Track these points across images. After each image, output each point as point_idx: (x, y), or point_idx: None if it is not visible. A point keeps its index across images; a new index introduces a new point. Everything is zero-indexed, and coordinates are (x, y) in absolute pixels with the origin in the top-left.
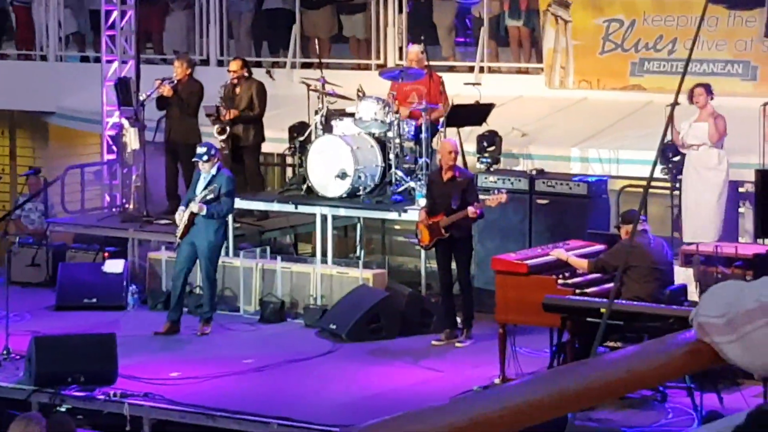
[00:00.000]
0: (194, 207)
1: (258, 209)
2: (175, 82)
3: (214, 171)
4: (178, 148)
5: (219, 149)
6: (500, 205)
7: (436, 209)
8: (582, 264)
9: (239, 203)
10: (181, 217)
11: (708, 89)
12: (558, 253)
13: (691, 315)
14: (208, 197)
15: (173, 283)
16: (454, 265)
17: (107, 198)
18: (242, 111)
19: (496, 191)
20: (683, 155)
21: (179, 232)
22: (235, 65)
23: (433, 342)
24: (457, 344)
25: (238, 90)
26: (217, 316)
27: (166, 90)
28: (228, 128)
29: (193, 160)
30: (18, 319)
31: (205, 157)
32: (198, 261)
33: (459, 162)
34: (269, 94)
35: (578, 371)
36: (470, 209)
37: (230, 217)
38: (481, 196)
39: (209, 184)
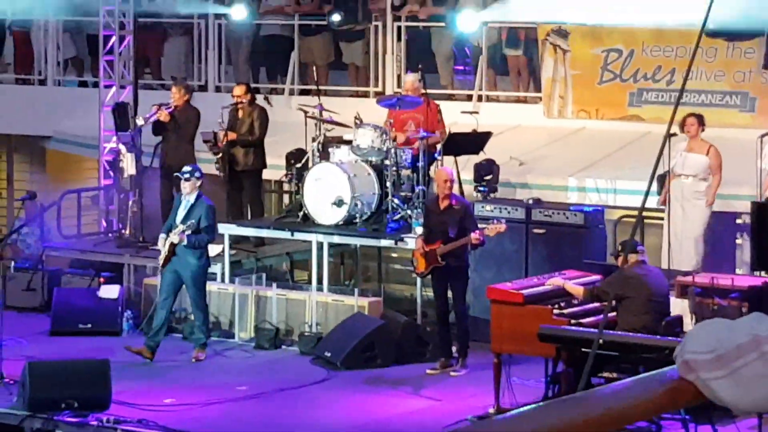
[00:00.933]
0: (174, 238)
1: (254, 236)
2: (173, 107)
3: (193, 198)
4: (173, 173)
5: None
6: (498, 234)
7: (432, 237)
8: (578, 291)
9: (236, 230)
10: (163, 245)
11: (701, 119)
12: (555, 280)
13: (675, 352)
14: (187, 232)
15: (157, 311)
16: (450, 294)
17: (104, 223)
18: (241, 135)
19: (495, 221)
20: None
21: (161, 260)
22: (239, 90)
23: (428, 371)
24: (452, 373)
25: (240, 114)
26: (211, 343)
27: (164, 115)
28: (222, 151)
29: (175, 175)
30: (12, 343)
31: (187, 175)
32: (185, 289)
33: (456, 190)
34: None
35: (568, 406)
36: (473, 235)
37: (227, 244)
38: (479, 225)
39: (189, 212)
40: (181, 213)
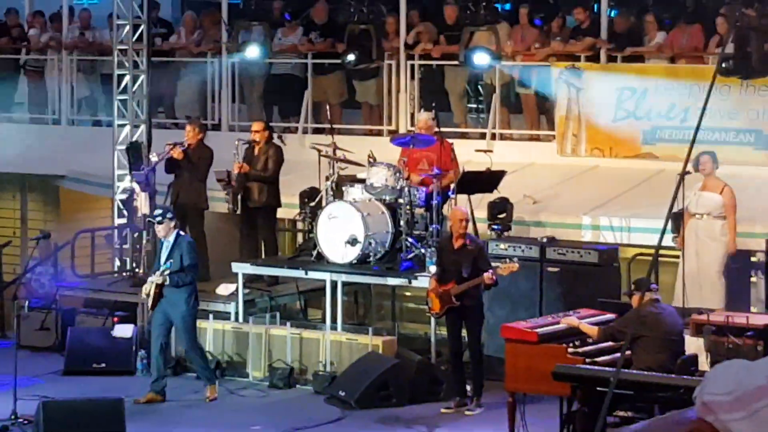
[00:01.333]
0: (158, 279)
1: (268, 274)
2: (187, 146)
3: (172, 238)
4: (185, 212)
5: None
6: (511, 273)
7: (446, 277)
8: (593, 331)
9: (249, 269)
10: (149, 289)
11: (714, 157)
12: (569, 320)
13: (694, 393)
14: (166, 272)
15: (153, 355)
16: (464, 333)
17: (117, 262)
18: (254, 169)
19: (507, 260)
20: None
21: (149, 303)
22: (257, 126)
23: (443, 410)
24: (467, 412)
25: (256, 152)
26: (225, 382)
27: (177, 152)
28: (234, 185)
29: (148, 220)
30: (26, 383)
31: (159, 218)
32: (175, 333)
33: (470, 229)
34: None
35: None
36: (486, 275)
37: (240, 283)
38: (493, 264)
39: (171, 252)
40: (164, 254)
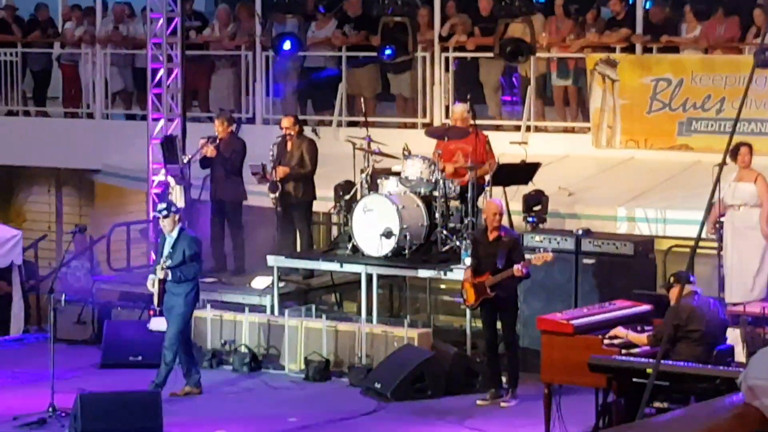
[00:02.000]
0: (160, 274)
1: (303, 268)
2: (218, 141)
3: (175, 233)
4: (224, 206)
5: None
6: (545, 263)
7: (481, 269)
8: (642, 340)
9: (285, 262)
10: (152, 284)
11: (751, 149)
12: (617, 332)
13: (739, 378)
14: (165, 264)
15: (179, 354)
16: (499, 325)
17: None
18: (292, 168)
19: (541, 250)
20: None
21: (155, 300)
22: (287, 122)
23: (478, 402)
24: (502, 404)
25: (288, 146)
26: (261, 375)
27: (210, 150)
28: (280, 186)
29: (153, 214)
30: (63, 376)
31: (165, 212)
32: (168, 323)
33: (505, 221)
34: None
35: None
36: (516, 267)
37: (276, 276)
38: (526, 255)
39: (174, 248)
40: (166, 250)
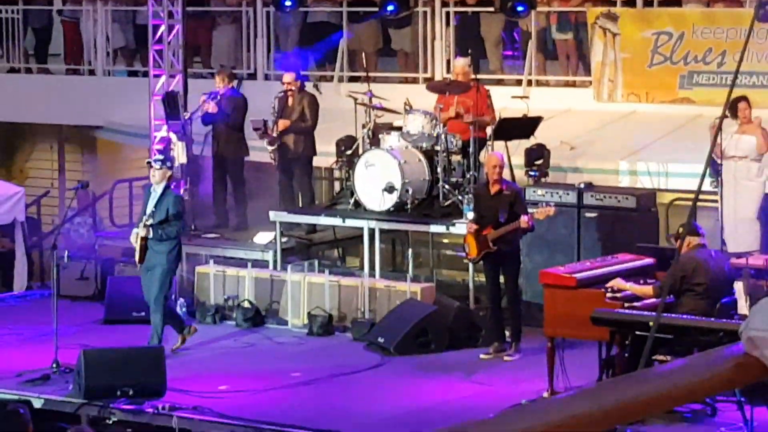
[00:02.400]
0: (142, 231)
1: (306, 223)
2: (219, 97)
3: (161, 189)
4: (226, 162)
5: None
6: (548, 218)
7: (483, 223)
8: (646, 291)
9: (287, 217)
10: (135, 239)
11: (749, 103)
12: (618, 284)
13: (740, 329)
14: (148, 222)
15: (161, 315)
16: (502, 279)
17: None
18: (293, 122)
19: (543, 204)
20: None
21: (136, 257)
22: (288, 77)
23: (482, 356)
24: (506, 358)
25: (290, 102)
26: (265, 330)
27: (211, 107)
28: (279, 140)
29: (147, 161)
30: (67, 333)
31: (159, 164)
32: (149, 282)
33: (506, 175)
34: None
35: (625, 385)
36: (523, 219)
37: (278, 231)
38: (529, 209)
39: (158, 203)
40: (150, 204)
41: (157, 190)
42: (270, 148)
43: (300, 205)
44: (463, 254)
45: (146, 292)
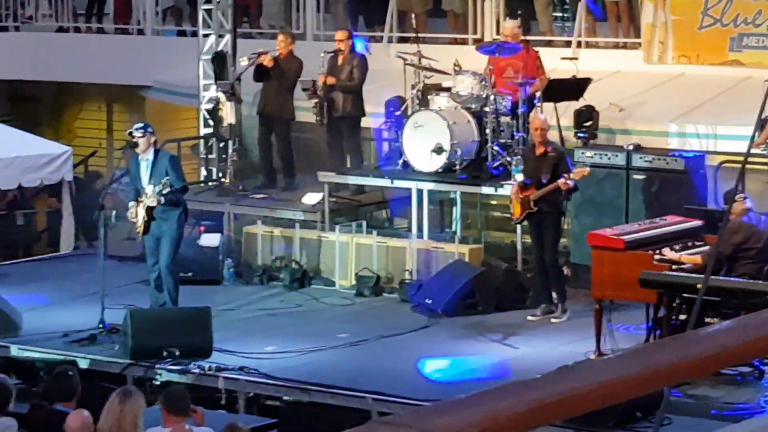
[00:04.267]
0: (152, 201)
1: (354, 183)
2: (278, 55)
3: (151, 155)
4: (272, 121)
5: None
6: (583, 177)
7: (528, 184)
8: (696, 260)
9: (335, 178)
10: (135, 213)
11: None
12: (669, 254)
13: None
14: (165, 191)
15: (151, 280)
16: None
17: (204, 172)
18: (340, 81)
19: (580, 165)
20: None
21: (139, 229)
22: (341, 35)
23: (529, 317)
24: (553, 320)
25: (340, 61)
26: (312, 290)
27: (268, 59)
28: (320, 95)
29: (129, 132)
30: (114, 293)
31: (141, 132)
32: (159, 248)
33: (555, 137)
34: None
35: (672, 346)
36: (561, 181)
37: (326, 192)
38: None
39: (153, 170)
40: (145, 174)
41: (147, 157)
42: (313, 101)
43: (349, 165)
44: (510, 215)
45: (151, 257)
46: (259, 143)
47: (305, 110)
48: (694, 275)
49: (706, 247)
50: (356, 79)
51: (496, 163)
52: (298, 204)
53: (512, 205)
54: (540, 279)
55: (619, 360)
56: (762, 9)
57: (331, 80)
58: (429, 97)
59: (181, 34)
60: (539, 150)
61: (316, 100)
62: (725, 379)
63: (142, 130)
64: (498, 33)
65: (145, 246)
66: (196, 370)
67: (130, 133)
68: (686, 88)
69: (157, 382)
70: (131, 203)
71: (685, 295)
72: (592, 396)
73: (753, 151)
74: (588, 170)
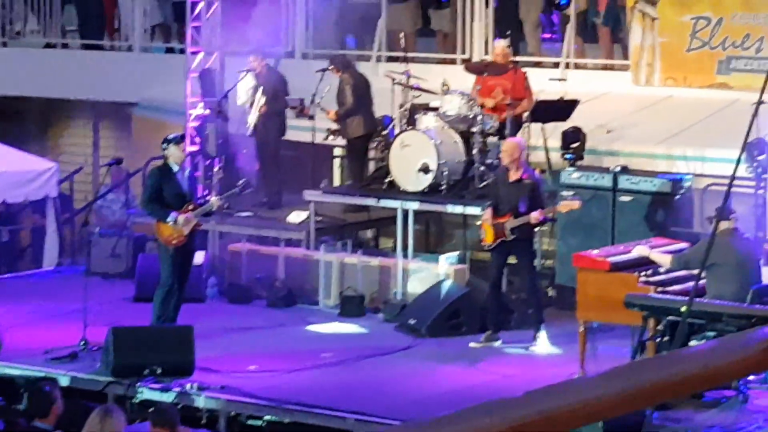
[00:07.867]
0: (213, 207)
1: (340, 202)
2: (256, 74)
3: (185, 167)
4: (264, 140)
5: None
6: (571, 211)
7: (501, 209)
8: (665, 260)
9: (320, 197)
10: (189, 225)
11: None
12: (640, 249)
13: None
14: (222, 203)
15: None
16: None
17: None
18: (339, 108)
19: (569, 197)
20: None
21: (180, 241)
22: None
23: (471, 344)
24: (531, 348)
25: (339, 87)
26: (296, 309)
27: (262, 109)
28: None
29: (174, 138)
30: (96, 310)
31: (179, 139)
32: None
33: (542, 158)
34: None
35: (655, 365)
36: (533, 214)
37: (312, 211)
38: (563, 194)
39: (190, 183)
40: (184, 184)
41: (182, 165)
42: (330, 137)
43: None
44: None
45: (183, 275)
46: (249, 162)
47: (294, 128)
48: (678, 298)
49: (682, 246)
50: (348, 102)
51: (483, 184)
52: (284, 223)
53: (483, 230)
54: (491, 304)
55: (602, 378)
56: (750, 32)
57: (332, 115)
58: (416, 116)
59: (170, 51)
60: (514, 176)
61: (330, 136)
62: (708, 402)
63: (180, 138)
64: (486, 53)
65: (173, 263)
66: (178, 389)
67: (179, 139)
68: (674, 111)
69: (137, 401)
70: (173, 214)
71: (670, 317)
72: (576, 414)
73: (740, 174)
74: (578, 204)
